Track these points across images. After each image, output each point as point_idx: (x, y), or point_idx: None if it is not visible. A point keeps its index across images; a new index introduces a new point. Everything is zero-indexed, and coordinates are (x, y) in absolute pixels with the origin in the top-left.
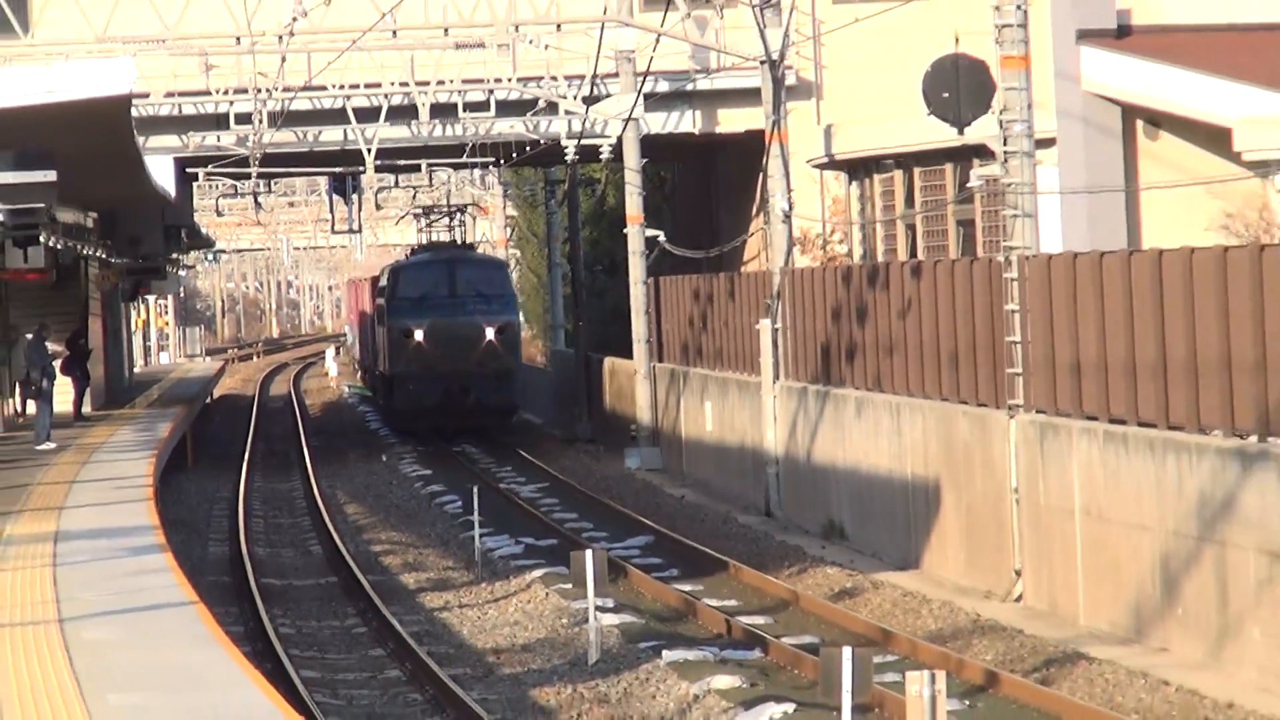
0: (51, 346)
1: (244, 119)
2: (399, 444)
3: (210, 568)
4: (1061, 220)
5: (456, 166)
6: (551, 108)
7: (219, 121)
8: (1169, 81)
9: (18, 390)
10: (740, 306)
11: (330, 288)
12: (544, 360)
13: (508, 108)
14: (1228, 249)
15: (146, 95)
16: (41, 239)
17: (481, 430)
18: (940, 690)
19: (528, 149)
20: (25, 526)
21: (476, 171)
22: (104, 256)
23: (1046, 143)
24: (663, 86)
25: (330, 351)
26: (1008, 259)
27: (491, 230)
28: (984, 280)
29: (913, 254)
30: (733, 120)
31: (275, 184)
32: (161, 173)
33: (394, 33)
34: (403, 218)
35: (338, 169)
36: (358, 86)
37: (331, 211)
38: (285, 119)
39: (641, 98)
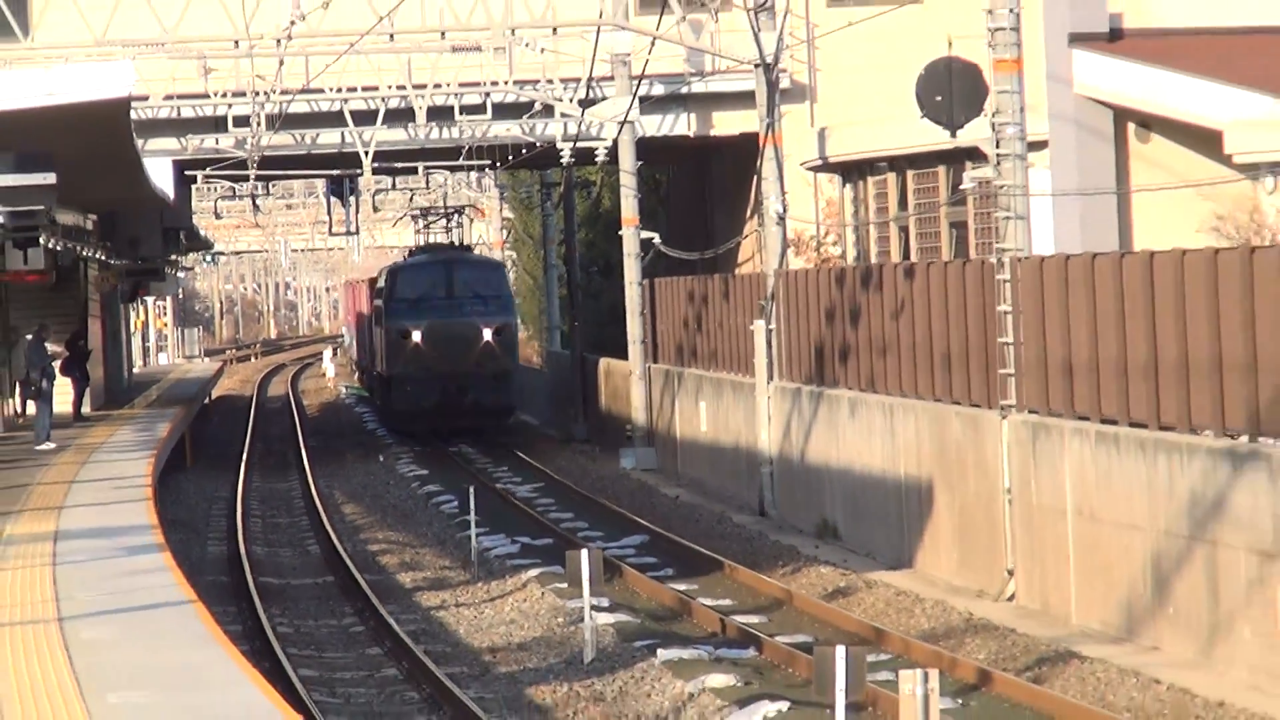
0: (51, 347)
1: (242, 122)
2: (396, 444)
3: (209, 567)
4: (1053, 222)
5: (453, 169)
6: (547, 111)
7: (217, 124)
8: (1160, 84)
9: (18, 391)
10: (735, 308)
11: (328, 289)
12: (540, 361)
13: (504, 110)
14: (1218, 251)
15: (145, 98)
16: (41, 241)
17: (478, 431)
18: (933, 689)
19: (524, 151)
20: (25, 526)
21: (473, 174)
22: (103, 258)
23: (1039, 145)
24: (658, 89)
25: (328, 352)
26: (1000, 260)
27: (488, 232)
28: (976, 282)
29: (906, 256)
30: (727, 123)
31: (273, 186)
32: (160, 175)
33: (391, 36)
34: (400, 219)
35: (335, 171)
36: (355, 89)
37: (329, 213)
38: (283, 122)
39: (637, 101)
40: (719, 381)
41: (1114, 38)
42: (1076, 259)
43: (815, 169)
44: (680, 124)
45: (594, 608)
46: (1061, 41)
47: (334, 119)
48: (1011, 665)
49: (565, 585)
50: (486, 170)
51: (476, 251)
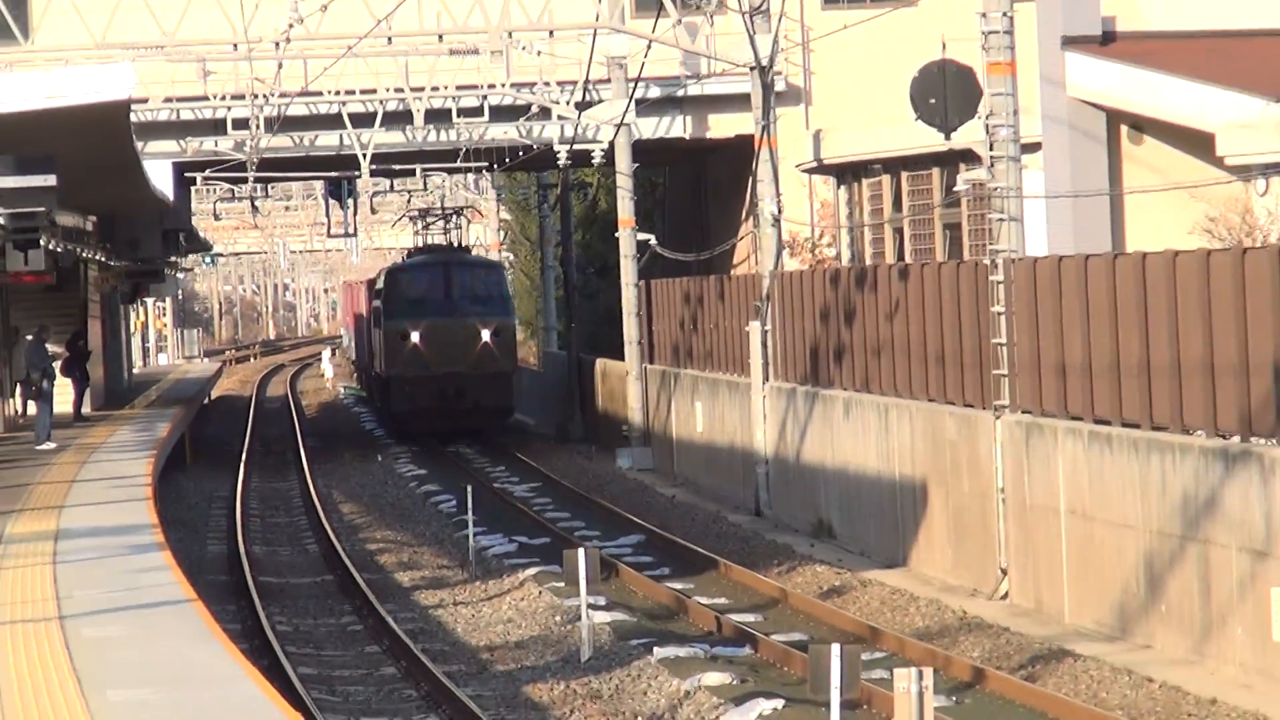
0: (51, 348)
1: (241, 124)
2: (394, 444)
3: (208, 566)
4: (1047, 224)
5: (451, 171)
6: (544, 113)
7: (216, 126)
8: (1153, 87)
9: (18, 391)
10: (730, 309)
11: (326, 290)
12: (537, 362)
13: (501, 113)
14: (1211, 252)
15: (145, 101)
16: (42, 242)
17: (476, 431)
18: (927, 687)
19: (521, 154)
20: (26, 525)
21: (470, 176)
22: (103, 259)
23: (1032, 147)
24: (654, 92)
25: (326, 353)
26: (994, 262)
27: (485, 234)
28: (970, 283)
29: (900, 257)
30: (723, 125)
31: (272, 188)
32: (160, 177)
33: (389, 39)
34: (398, 221)
35: (333, 173)
36: (353, 92)
37: (327, 215)
38: (282, 124)
39: (633, 103)
40: (715, 382)
41: (1106, 41)
42: (1069, 260)
43: (810, 171)
44: (676, 126)
45: (591, 606)
46: (1054, 44)
47: (332, 121)
48: (1005, 663)
49: (562, 584)
50: (484, 172)
51: (474, 253)
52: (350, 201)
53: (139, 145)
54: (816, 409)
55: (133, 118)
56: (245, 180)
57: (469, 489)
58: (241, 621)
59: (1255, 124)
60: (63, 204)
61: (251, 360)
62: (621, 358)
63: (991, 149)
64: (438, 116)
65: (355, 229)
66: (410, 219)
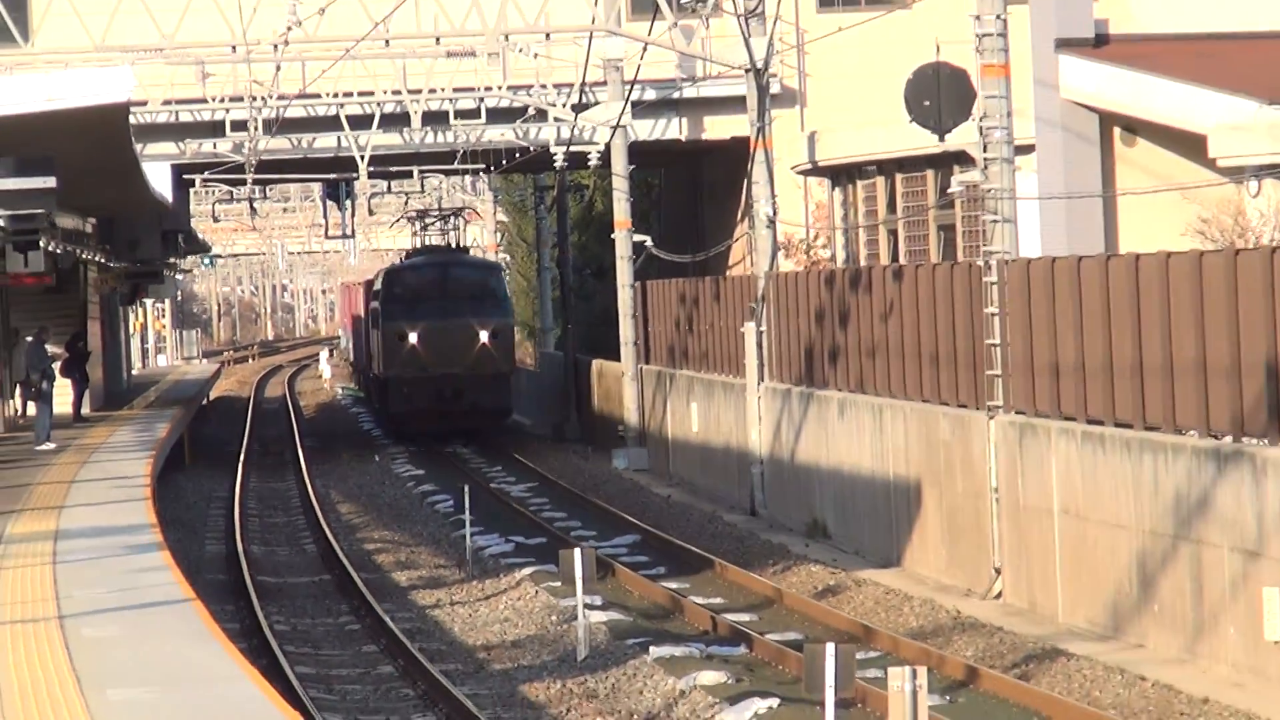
0: (51, 349)
1: (240, 126)
2: (392, 445)
3: (207, 566)
4: (1040, 225)
5: (448, 173)
6: (541, 115)
7: (215, 129)
8: (1145, 89)
9: (18, 392)
10: (725, 310)
11: (324, 291)
12: (534, 363)
13: (498, 115)
14: (1203, 253)
15: (144, 103)
16: (41, 244)
17: (474, 432)
18: (921, 685)
19: (517, 155)
20: (26, 525)
21: (467, 178)
22: (102, 261)
23: (1026, 149)
24: (650, 94)
25: (324, 354)
26: (987, 263)
27: (482, 235)
28: (964, 284)
29: (894, 258)
30: (718, 127)
31: (270, 190)
32: (159, 179)
33: (386, 42)
34: (396, 222)
35: (331, 175)
36: (351, 94)
37: (325, 217)
38: (280, 126)
39: (629, 105)
40: (710, 383)
41: (1100, 43)
42: (1062, 261)
43: (805, 173)
44: (672, 128)
45: (587, 606)
46: (1048, 47)
47: (330, 123)
48: (999, 662)
49: (559, 584)
50: (481, 174)
51: (472, 254)
52: (348, 203)
53: (138, 147)
54: (811, 409)
55: (132, 120)
56: (244, 182)
57: (466, 489)
58: (240, 621)
59: (1247, 126)
60: (62, 206)
61: (250, 361)
62: (617, 358)
63: (985, 151)
64: (435, 118)
65: (353, 230)
66: (408, 220)
